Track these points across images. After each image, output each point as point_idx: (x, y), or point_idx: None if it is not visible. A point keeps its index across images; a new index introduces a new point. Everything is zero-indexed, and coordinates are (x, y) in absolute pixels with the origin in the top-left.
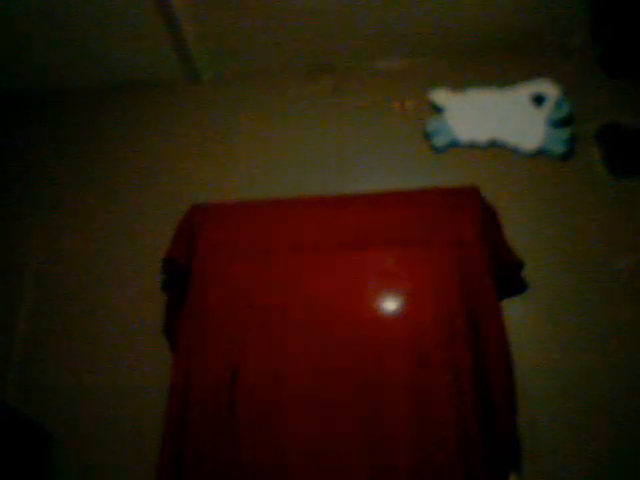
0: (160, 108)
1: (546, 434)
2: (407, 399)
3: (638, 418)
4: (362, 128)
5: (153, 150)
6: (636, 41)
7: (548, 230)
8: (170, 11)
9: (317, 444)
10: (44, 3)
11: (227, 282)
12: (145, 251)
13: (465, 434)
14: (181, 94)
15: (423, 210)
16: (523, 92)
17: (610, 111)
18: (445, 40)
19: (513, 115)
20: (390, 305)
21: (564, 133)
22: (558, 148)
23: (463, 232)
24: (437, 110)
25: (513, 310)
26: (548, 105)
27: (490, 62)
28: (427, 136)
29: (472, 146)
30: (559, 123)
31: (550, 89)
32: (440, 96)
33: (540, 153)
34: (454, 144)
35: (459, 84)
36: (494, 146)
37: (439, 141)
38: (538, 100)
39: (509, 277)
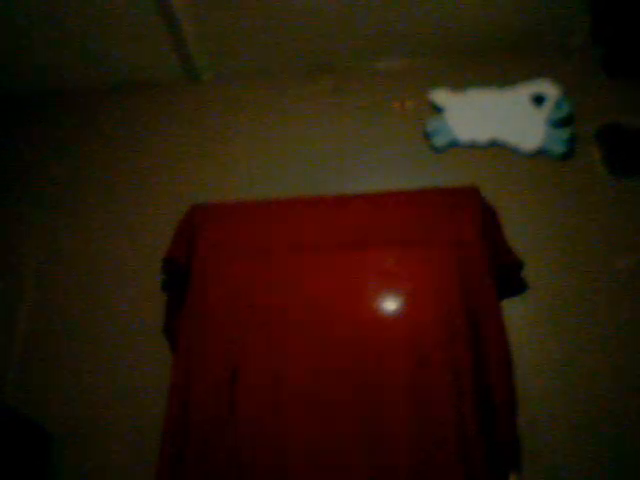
0: (160, 108)
1: (546, 434)
2: (407, 399)
3: (638, 418)
4: (362, 128)
5: (153, 150)
6: (636, 41)
7: (548, 230)
8: (170, 11)
9: (317, 444)
10: (44, 3)
11: (227, 282)
12: (145, 251)
13: (465, 434)
14: (181, 94)
15: (423, 210)
16: (523, 92)
17: (610, 111)
18: (445, 40)
19: (513, 115)
20: (390, 305)
21: (564, 133)
22: (558, 148)
23: (463, 232)
24: (437, 110)
25: (513, 310)
26: (548, 105)
27: (490, 62)
28: (427, 136)
29: (472, 146)
30: (559, 123)
31: (550, 89)
32: (440, 96)
33: (540, 153)
34: (454, 144)
35: (459, 84)
36: (494, 146)
37: (439, 141)
38: (538, 100)
39: (509, 277)
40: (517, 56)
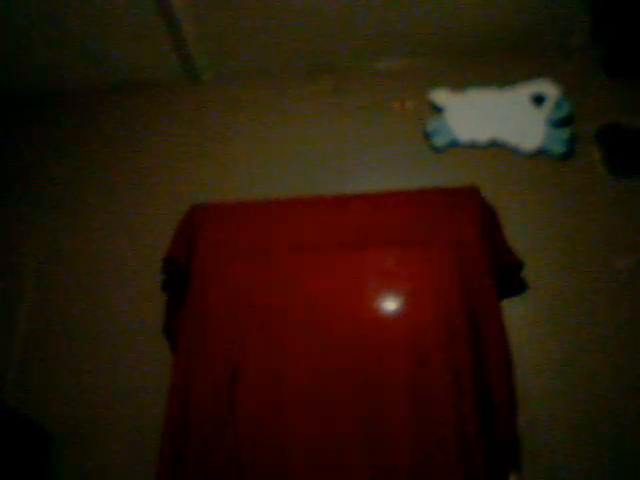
0: (160, 108)
1: (546, 434)
2: (407, 399)
3: (638, 418)
4: (362, 128)
5: (153, 150)
6: (636, 41)
7: (548, 230)
8: (170, 11)
9: (317, 444)
10: (44, 3)
11: (227, 282)
12: (145, 251)
13: (465, 434)
14: (181, 94)
15: (423, 210)
16: (523, 92)
17: (610, 111)
18: (445, 40)
19: (513, 115)
20: (390, 305)
21: (564, 133)
22: (558, 148)
23: (463, 232)
24: (437, 110)
25: (513, 310)
26: (548, 105)
27: (490, 62)
28: (427, 136)
29: (472, 146)
30: (559, 123)
31: (550, 89)
32: (440, 96)
33: (540, 153)
34: (454, 144)
35: (459, 84)
36: (494, 146)
37: (439, 141)
38: (538, 100)
39: (509, 277)
40: (517, 56)
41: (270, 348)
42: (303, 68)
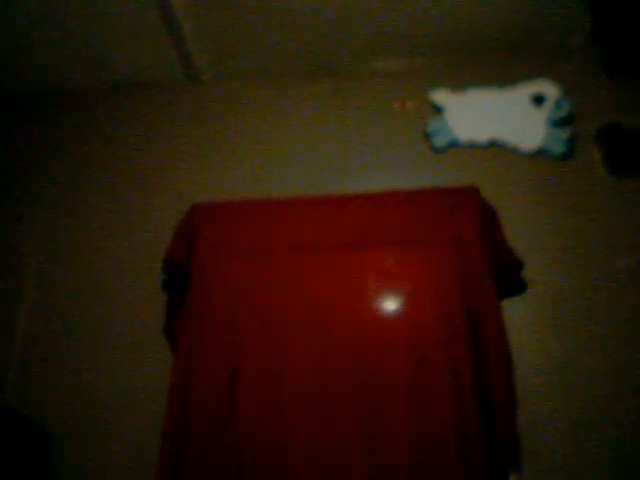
0: (160, 108)
1: (546, 434)
2: (407, 399)
3: (638, 418)
4: (362, 128)
5: (153, 150)
6: (636, 41)
7: (548, 230)
8: (170, 11)
9: (317, 444)
10: (44, 3)
11: (227, 282)
12: (145, 251)
13: (465, 434)
14: (181, 94)
15: (423, 210)
16: (523, 92)
17: (610, 111)
18: (445, 40)
19: (513, 115)
20: (390, 305)
21: (564, 133)
22: (558, 148)
23: (463, 232)
24: (437, 110)
25: (513, 310)
26: (548, 105)
27: (490, 62)
28: (427, 136)
29: (472, 146)
30: (559, 123)
31: (550, 89)
32: (440, 96)
33: (540, 153)
34: (454, 144)
35: (459, 84)
36: (494, 146)
37: (439, 141)
38: (538, 100)
39: (509, 277)
40: (517, 56)
41: (270, 348)
42: (303, 68)
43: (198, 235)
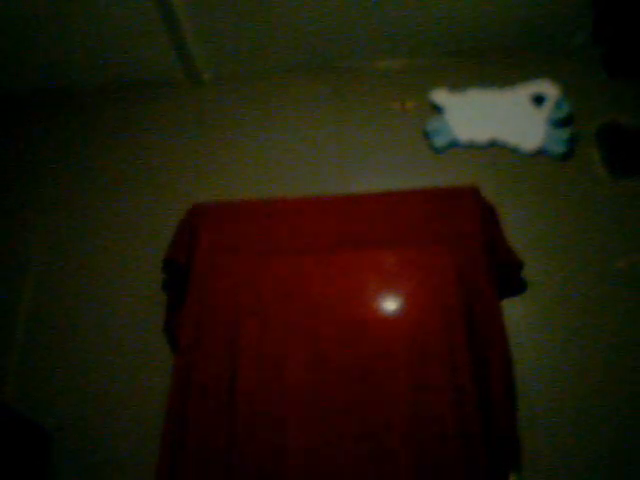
0: (160, 108)
1: (546, 434)
2: (407, 398)
3: (638, 417)
4: (362, 128)
5: (153, 150)
6: (636, 41)
7: (548, 230)
8: (171, 11)
9: (317, 444)
10: (44, 3)
11: (227, 282)
12: (145, 251)
13: (465, 433)
14: (181, 94)
15: (423, 210)
16: (523, 92)
17: (610, 111)
18: (445, 40)
19: (513, 115)
20: (390, 304)
21: (564, 133)
22: (558, 148)
23: (463, 232)
24: (437, 110)
25: (513, 310)
26: (548, 105)
27: (490, 62)
28: (427, 136)
29: (472, 146)
30: (559, 123)
31: (550, 89)
32: (440, 96)
33: (540, 153)
34: (454, 144)
35: (459, 84)
36: (494, 146)
37: (439, 141)
38: (538, 100)
39: (509, 277)
40: (517, 56)
41: (270, 348)
42: (303, 68)
43: (198, 235)
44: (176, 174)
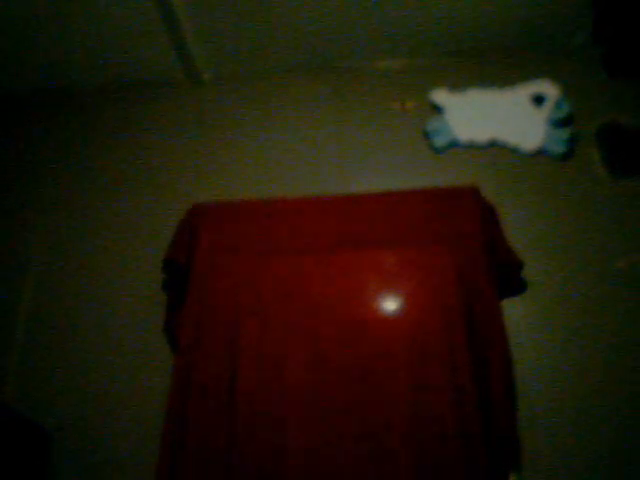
0: (160, 108)
1: (546, 433)
2: (407, 398)
3: (638, 417)
4: (362, 128)
5: (153, 150)
6: (636, 41)
7: (548, 230)
8: (171, 11)
9: (317, 444)
10: (44, 3)
11: (227, 282)
12: (145, 251)
13: (465, 433)
14: (181, 94)
15: (423, 210)
16: (523, 92)
17: (610, 111)
18: (445, 40)
19: (513, 115)
20: (390, 304)
21: (564, 133)
22: (558, 148)
23: (463, 232)
24: (437, 110)
25: (513, 310)
26: (548, 105)
27: (490, 62)
28: (427, 136)
29: (472, 146)
30: (559, 123)
31: (550, 89)
32: (440, 96)
33: (540, 153)
34: (454, 144)
35: (459, 84)
36: (494, 146)
37: (439, 141)
38: (538, 100)
39: (509, 277)
40: (517, 56)
41: (270, 348)
42: (303, 68)
43: (198, 235)
44: (176, 174)
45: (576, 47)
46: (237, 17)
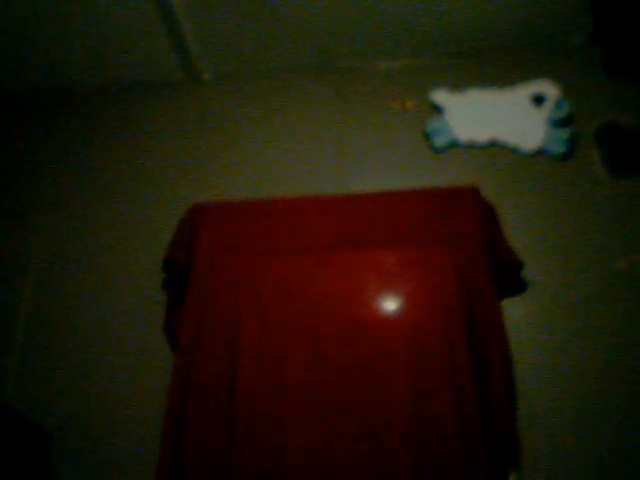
0: (161, 108)
1: (546, 433)
2: (407, 398)
3: (638, 417)
4: (362, 128)
5: (153, 150)
6: (636, 41)
7: (548, 230)
8: (171, 11)
9: (317, 444)
10: (44, 3)
11: (227, 282)
12: (145, 251)
13: (465, 433)
14: (182, 94)
15: (423, 210)
16: (523, 92)
17: (610, 111)
18: (445, 40)
19: (513, 115)
20: (390, 304)
21: (564, 133)
22: (558, 148)
23: (463, 232)
24: (437, 110)
25: (513, 310)
26: (548, 105)
27: (490, 62)
28: (427, 136)
29: (472, 146)
30: (559, 123)
31: (550, 89)
32: (440, 96)
33: (540, 153)
34: (454, 144)
35: (459, 84)
36: (494, 146)
37: (439, 141)
38: (538, 100)
39: (509, 277)
40: (517, 56)
41: (270, 348)
42: (304, 68)
43: (198, 235)
44: (176, 174)
45: (575, 47)
46: (238, 17)
